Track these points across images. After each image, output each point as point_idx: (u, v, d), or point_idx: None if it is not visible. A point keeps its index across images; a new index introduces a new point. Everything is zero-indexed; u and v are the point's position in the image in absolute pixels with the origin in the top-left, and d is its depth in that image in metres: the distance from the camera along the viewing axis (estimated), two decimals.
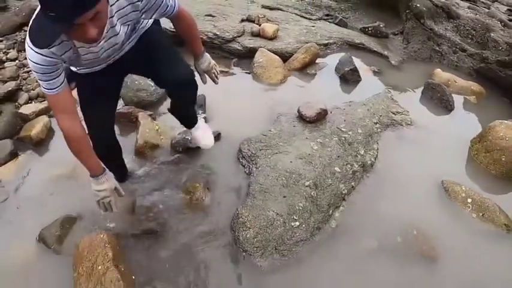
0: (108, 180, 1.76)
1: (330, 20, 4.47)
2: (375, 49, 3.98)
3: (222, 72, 3.20)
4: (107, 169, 1.77)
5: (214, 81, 2.11)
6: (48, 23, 1.20)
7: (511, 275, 2.08)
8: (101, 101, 1.85)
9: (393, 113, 2.99)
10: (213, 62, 2.09)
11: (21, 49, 3.23)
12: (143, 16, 1.61)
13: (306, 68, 3.46)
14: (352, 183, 2.31)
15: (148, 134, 2.55)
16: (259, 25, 3.80)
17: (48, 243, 2.00)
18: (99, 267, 1.78)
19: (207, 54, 2.05)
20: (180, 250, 1.94)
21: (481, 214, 2.37)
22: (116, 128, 2.71)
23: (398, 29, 4.46)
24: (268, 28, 3.70)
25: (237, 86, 3.19)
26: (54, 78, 1.51)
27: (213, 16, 3.84)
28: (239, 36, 3.61)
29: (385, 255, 2.04)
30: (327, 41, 3.83)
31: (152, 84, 2.93)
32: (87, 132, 1.72)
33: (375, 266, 1.99)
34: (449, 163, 2.75)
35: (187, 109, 2.21)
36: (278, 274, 1.85)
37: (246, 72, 3.37)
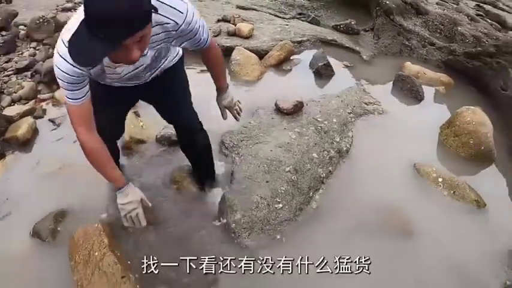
0: (133, 192, 1.78)
1: (303, 19, 4.64)
2: (347, 45, 4.17)
3: (202, 71, 3.34)
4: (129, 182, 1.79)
5: (235, 117, 2.12)
6: (94, 42, 1.18)
7: (482, 247, 2.25)
8: (113, 104, 1.85)
9: (366, 104, 3.17)
10: (235, 99, 2.10)
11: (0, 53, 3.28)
12: (173, 43, 1.62)
13: (282, 65, 3.62)
14: (330, 168, 2.46)
15: (134, 130, 2.65)
16: (235, 25, 3.94)
17: (43, 237, 2.06)
18: (96, 254, 1.85)
19: (229, 90, 2.06)
20: (171, 236, 2.04)
21: (452, 192, 2.55)
22: None
23: (369, 26, 4.66)
24: (244, 27, 3.84)
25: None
26: (80, 89, 1.53)
27: None
28: (216, 36, 3.74)
29: (363, 232, 2.19)
30: (300, 39, 3.99)
31: None
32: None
33: (354, 241, 2.13)
34: (421, 148, 2.94)
35: (203, 163, 2.27)
36: (264, 252, 1.98)
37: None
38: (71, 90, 1.52)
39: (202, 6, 4.36)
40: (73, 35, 1.25)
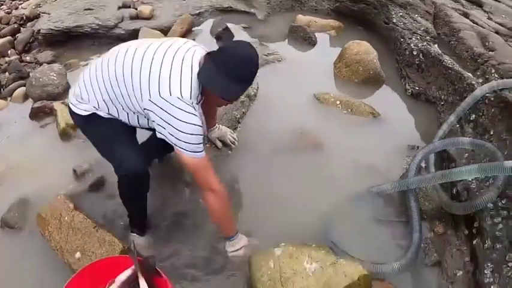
0: (242, 238, 2.00)
1: None
2: (242, 9, 4.62)
3: None
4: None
5: (231, 145, 2.59)
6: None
7: (383, 147, 2.82)
8: (131, 136, 2.00)
9: (266, 55, 3.69)
10: (225, 129, 2.60)
11: None
12: None
13: (185, 37, 3.99)
14: (243, 110, 2.97)
15: (67, 117, 2.94)
16: (136, 9, 4.24)
17: (12, 224, 2.28)
18: (66, 218, 2.10)
19: (218, 125, 2.56)
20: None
21: (349, 110, 3.15)
22: (36, 122, 3.09)
23: None
24: (145, 9, 4.17)
25: None
26: (202, 140, 1.74)
27: (92, 9, 4.18)
28: (120, 22, 4.03)
29: (281, 152, 2.71)
30: (198, 11, 4.38)
31: (55, 77, 3.28)
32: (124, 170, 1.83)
33: (275, 161, 2.65)
34: (319, 82, 3.51)
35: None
36: None
37: None
38: (200, 143, 1.72)
39: None
40: (207, 77, 1.67)
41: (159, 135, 1.73)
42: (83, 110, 1.88)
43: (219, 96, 1.76)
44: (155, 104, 1.65)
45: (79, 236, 2.05)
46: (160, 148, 2.07)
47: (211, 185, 1.78)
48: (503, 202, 2.06)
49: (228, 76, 1.64)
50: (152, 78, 1.67)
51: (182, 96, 1.63)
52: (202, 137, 1.72)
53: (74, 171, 2.55)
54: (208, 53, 1.78)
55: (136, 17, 4.16)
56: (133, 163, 1.81)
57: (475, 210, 2.08)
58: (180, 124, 1.63)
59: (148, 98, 1.66)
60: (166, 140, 1.71)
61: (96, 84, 1.82)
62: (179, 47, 1.76)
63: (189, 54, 1.74)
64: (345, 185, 2.49)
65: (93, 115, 1.86)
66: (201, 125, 1.69)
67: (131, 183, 1.87)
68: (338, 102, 3.18)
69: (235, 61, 1.66)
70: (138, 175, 1.83)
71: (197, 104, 1.72)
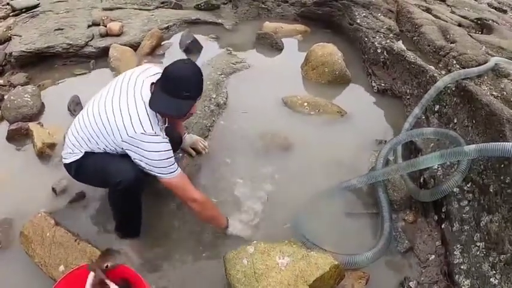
0: (235, 222, 2.20)
1: (166, 6, 5.04)
2: (210, 20, 4.70)
3: (82, 74, 3.68)
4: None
5: (202, 151, 2.68)
6: (180, 99, 1.86)
7: (352, 142, 2.89)
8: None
9: (233, 64, 3.74)
10: (195, 137, 2.69)
11: None
12: None
13: (155, 51, 4.02)
14: (213, 118, 3.00)
15: (43, 136, 2.93)
16: (105, 26, 4.24)
17: None
18: (48, 234, 2.11)
19: (188, 135, 2.66)
20: (102, 206, 2.39)
21: (317, 110, 3.21)
22: (13, 145, 3.07)
23: None
24: (114, 26, 4.17)
25: (100, 82, 3.63)
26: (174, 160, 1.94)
27: (62, 29, 4.17)
28: (90, 40, 4.03)
29: (252, 156, 2.76)
30: (167, 24, 4.43)
31: (29, 98, 3.27)
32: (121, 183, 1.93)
33: (246, 163, 2.69)
34: (286, 86, 3.57)
35: None
36: None
37: (106, 68, 3.83)
38: (173, 164, 1.92)
39: (70, 16, 4.56)
40: (153, 99, 1.86)
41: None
42: (74, 156, 2.09)
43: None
44: (127, 142, 1.86)
45: (61, 250, 2.07)
46: None
47: (192, 196, 1.98)
48: (468, 186, 2.12)
49: (170, 95, 1.85)
50: (118, 122, 1.87)
51: (145, 131, 1.83)
52: (172, 155, 1.92)
53: (53, 189, 2.55)
54: (158, 79, 1.97)
55: (106, 34, 4.16)
56: (128, 173, 1.95)
57: (442, 196, 2.13)
58: (151, 154, 1.85)
59: (121, 139, 1.87)
60: (144, 170, 1.92)
61: (80, 138, 2.04)
62: (127, 84, 1.98)
63: (138, 88, 1.95)
64: (315, 183, 2.53)
65: (85, 155, 2.06)
66: (169, 148, 1.90)
67: (129, 188, 1.99)
68: (305, 104, 3.23)
69: (172, 80, 1.87)
70: (134, 182, 1.97)
71: (161, 129, 1.95)
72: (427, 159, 2.09)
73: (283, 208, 2.35)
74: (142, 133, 1.82)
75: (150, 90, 1.95)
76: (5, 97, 3.41)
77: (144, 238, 2.21)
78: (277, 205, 2.38)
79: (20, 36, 3.98)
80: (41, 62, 3.85)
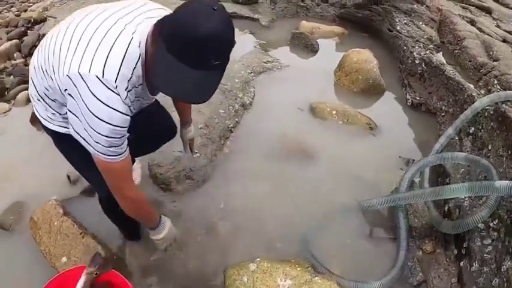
0: (170, 229, 1.74)
1: None
2: (247, 15, 4.63)
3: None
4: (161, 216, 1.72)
5: (192, 151, 2.21)
6: (200, 72, 1.14)
7: (376, 158, 2.77)
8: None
9: (265, 62, 3.67)
10: (195, 132, 2.18)
11: None
12: None
13: None
14: (236, 119, 2.94)
15: None
16: None
17: (6, 226, 2.32)
18: (55, 223, 2.15)
19: (192, 125, 2.09)
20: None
21: (345, 120, 3.10)
22: (35, 128, 3.13)
23: None
24: None
25: None
26: (125, 141, 1.34)
27: None
28: None
29: (270, 162, 2.68)
30: None
31: None
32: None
33: (263, 170, 2.61)
34: (317, 90, 3.47)
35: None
36: (191, 193, 2.44)
37: None
38: (120, 145, 1.31)
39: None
40: (156, 68, 1.18)
41: (72, 133, 1.34)
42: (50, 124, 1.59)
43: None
44: (71, 80, 1.22)
45: (66, 241, 2.09)
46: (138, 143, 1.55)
47: (125, 191, 1.47)
48: (494, 223, 1.97)
49: (190, 65, 1.13)
50: (79, 48, 1.23)
51: (103, 77, 1.20)
52: (122, 135, 1.30)
53: (68, 177, 2.58)
54: (156, 25, 1.26)
55: None
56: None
57: (465, 230, 2.00)
58: (89, 115, 1.22)
59: (65, 73, 1.23)
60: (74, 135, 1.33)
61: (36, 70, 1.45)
62: (128, 12, 1.33)
63: (131, 24, 1.28)
64: (332, 197, 2.44)
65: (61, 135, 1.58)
66: (124, 124, 1.27)
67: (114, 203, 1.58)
68: (334, 112, 3.12)
69: (194, 43, 1.11)
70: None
71: (127, 91, 1.27)
72: (453, 190, 1.96)
73: (293, 221, 2.27)
74: (96, 76, 1.18)
75: (148, 39, 1.27)
76: None
77: (145, 242, 2.14)
78: (287, 217, 2.31)
79: (55, 18, 4.05)
80: None
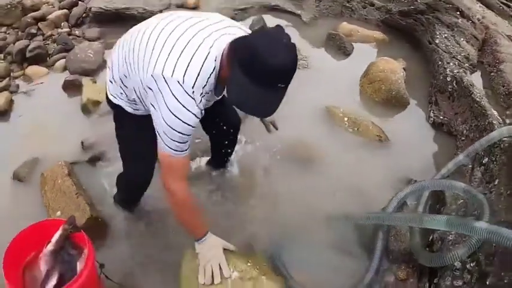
0: (215, 240, 1.83)
1: None
2: (289, 9, 4.57)
3: None
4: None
5: (275, 127, 2.38)
6: (270, 93, 1.38)
7: (383, 174, 2.71)
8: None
9: None
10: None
11: None
12: None
13: None
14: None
15: (91, 93, 3.18)
16: None
17: (21, 178, 2.64)
18: (59, 181, 2.44)
19: None
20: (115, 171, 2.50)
21: (356, 129, 3.05)
22: (66, 94, 3.37)
23: None
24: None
25: None
26: (190, 140, 1.58)
27: None
28: (166, 9, 4.16)
29: (274, 163, 2.73)
30: (244, 6, 4.41)
31: (92, 55, 3.53)
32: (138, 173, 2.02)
33: (265, 170, 2.68)
34: (338, 95, 3.41)
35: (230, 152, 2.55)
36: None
37: None
38: (185, 142, 1.56)
39: None
40: (233, 88, 1.42)
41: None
42: (119, 100, 1.80)
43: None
44: (154, 80, 1.47)
45: (63, 199, 2.36)
46: None
47: (179, 189, 1.65)
48: (471, 265, 1.89)
49: (262, 86, 1.36)
50: (163, 52, 1.47)
51: (183, 82, 1.43)
52: (189, 134, 1.54)
53: (82, 143, 2.85)
54: (231, 47, 1.47)
55: (182, 6, 4.29)
56: (140, 177, 2.05)
57: (441, 265, 1.94)
58: (168, 113, 1.47)
59: (149, 73, 1.48)
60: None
61: (121, 53, 1.71)
62: (207, 25, 1.54)
63: (209, 38, 1.50)
64: (326, 206, 2.45)
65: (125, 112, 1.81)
66: (193, 124, 1.51)
67: (134, 188, 2.19)
68: (346, 119, 3.08)
69: (269, 72, 1.33)
70: (142, 184, 2.11)
71: (202, 96, 1.50)
72: (431, 221, 1.90)
73: (276, 224, 2.32)
74: (178, 81, 1.42)
75: (223, 55, 1.49)
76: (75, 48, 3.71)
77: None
78: (274, 219, 2.35)
79: None
80: (116, 21, 4.06)
